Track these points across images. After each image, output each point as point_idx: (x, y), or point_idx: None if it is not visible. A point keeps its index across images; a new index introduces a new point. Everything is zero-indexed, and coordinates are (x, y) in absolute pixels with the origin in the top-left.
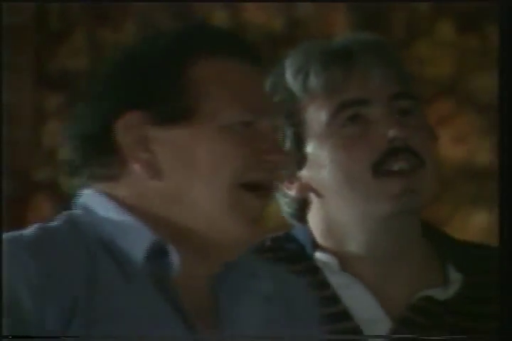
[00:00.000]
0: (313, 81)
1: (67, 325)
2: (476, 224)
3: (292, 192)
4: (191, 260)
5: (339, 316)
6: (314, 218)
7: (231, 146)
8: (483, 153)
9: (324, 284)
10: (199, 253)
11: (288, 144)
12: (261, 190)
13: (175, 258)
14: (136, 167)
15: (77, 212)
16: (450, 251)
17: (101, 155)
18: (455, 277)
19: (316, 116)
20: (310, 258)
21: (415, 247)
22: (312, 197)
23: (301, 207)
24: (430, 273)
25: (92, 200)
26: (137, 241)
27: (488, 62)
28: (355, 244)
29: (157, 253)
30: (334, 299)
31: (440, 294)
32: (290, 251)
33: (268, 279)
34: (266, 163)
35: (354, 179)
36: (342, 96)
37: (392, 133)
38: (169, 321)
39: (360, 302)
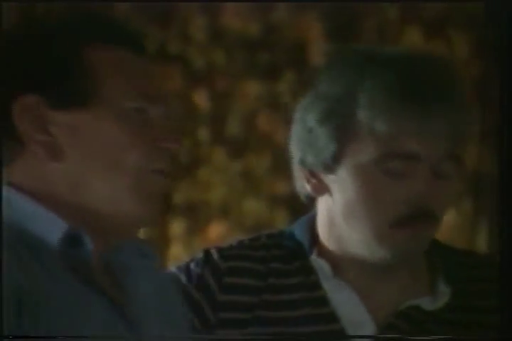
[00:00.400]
0: (379, 121)
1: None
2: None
3: (308, 185)
4: (100, 241)
5: (326, 318)
6: (323, 213)
7: (128, 132)
8: None
9: (316, 286)
10: (105, 233)
11: (323, 149)
12: (162, 176)
13: (89, 243)
14: (35, 148)
15: None
16: (441, 262)
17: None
18: (444, 290)
19: (364, 147)
20: (306, 258)
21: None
22: (327, 199)
23: (314, 197)
24: (420, 283)
25: None
26: (50, 229)
27: None
28: (353, 247)
29: (71, 239)
30: (324, 301)
31: (428, 304)
32: (286, 249)
33: (155, 258)
34: (161, 150)
35: (372, 223)
36: (391, 147)
37: (417, 199)
38: (95, 303)
39: (348, 306)
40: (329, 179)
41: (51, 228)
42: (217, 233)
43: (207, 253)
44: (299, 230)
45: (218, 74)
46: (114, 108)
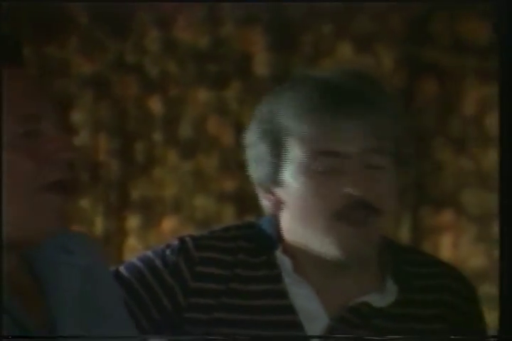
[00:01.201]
0: (298, 126)
1: None
2: None
3: (268, 201)
4: (13, 252)
5: (285, 309)
6: (285, 219)
7: (20, 155)
8: None
9: (278, 279)
10: (16, 247)
11: (267, 166)
12: (62, 187)
13: None
14: None
15: None
16: (390, 260)
17: None
18: (392, 287)
19: (295, 153)
20: (271, 253)
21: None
22: (284, 208)
23: (275, 210)
24: (371, 281)
25: None
26: None
27: None
28: (308, 244)
29: None
30: (283, 294)
31: (376, 301)
32: (255, 243)
33: (84, 255)
34: (59, 161)
35: (317, 218)
36: (317, 146)
37: (351, 190)
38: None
39: (305, 300)
40: (281, 191)
41: None
42: (170, 227)
43: (182, 241)
44: (267, 225)
45: (171, 82)
46: (11, 132)
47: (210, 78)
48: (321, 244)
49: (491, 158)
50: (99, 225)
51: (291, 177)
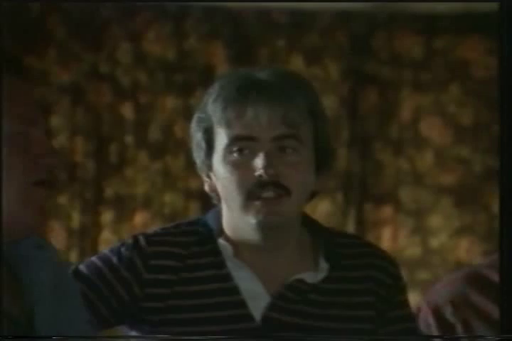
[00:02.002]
0: (220, 111)
1: None
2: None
3: (206, 186)
4: None
5: (230, 291)
6: (223, 207)
7: (12, 154)
8: None
9: (223, 265)
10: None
11: (202, 152)
12: (45, 186)
13: None
14: None
15: None
16: (322, 243)
17: None
18: (323, 266)
19: (221, 139)
20: (215, 242)
21: (293, 241)
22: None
23: (217, 197)
24: (305, 261)
25: None
26: None
27: None
28: (243, 234)
29: None
30: (228, 277)
31: (310, 278)
32: (201, 235)
33: (53, 250)
34: (41, 164)
35: (232, 196)
36: (235, 132)
37: (261, 171)
38: None
39: (247, 281)
40: (213, 175)
41: None
42: (141, 221)
43: (135, 238)
44: (211, 219)
45: (141, 91)
46: (12, 138)
47: (176, 87)
48: (242, 223)
49: (425, 158)
50: (76, 220)
51: (217, 160)
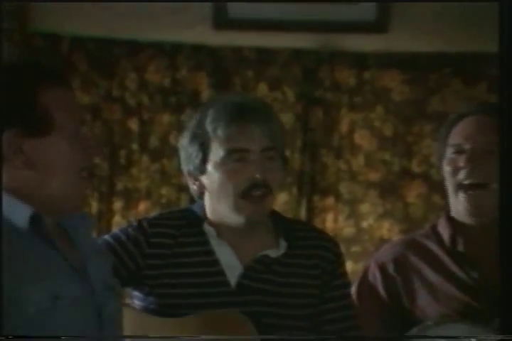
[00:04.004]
0: (219, 130)
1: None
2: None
3: (195, 186)
4: (50, 218)
5: (212, 263)
6: (207, 201)
7: (74, 148)
8: None
9: (207, 243)
10: (54, 214)
11: (196, 160)
12: (89, 172)
13: (44, 220)
14: (15, 162)
15: None
16: (282, 227)
17: None
18: (283, 244)
19: (217, 151)
20: (201, 225)
21: (263, 226)
22: (206, 192)
23: (201, 194)
24: (269, 240)
25: None
26: (19, 211)
27: None
28: (226, 220)
29: (34, 219)
30: (211, 253)
31: (273, 253)
32: (189, 220)
33: (92, 220)
34: (89, 156)
35: (228, 196)
36: (232, 145)
37: (256, 175)
38: (59, 264)
39: (226, 256)
40: (204, 178)
41: (20, 212)
42: (144, 208)
43: (139, 222)
44: (196, 208)
45: (144, 110)
46: (65, 133)
47: (171, 107)
48: (231, 215)
49: (358, 161)
50: (95, 207)
51: (212, 168)
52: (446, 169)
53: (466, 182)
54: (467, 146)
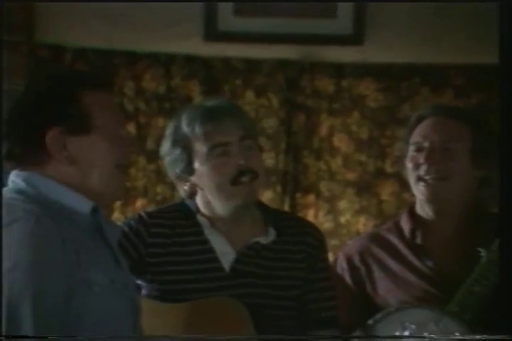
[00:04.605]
0: (198, 130)
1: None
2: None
3: (186, 187)
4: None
5: (207, 251)
6: (199, 197)
7: (112, 146)
8: None
9: (202, 233)
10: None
11: (182, 163)
12: (125, 168)
13: (101, 211)
14: (60, 158)
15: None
16: (271, 217)
17: (34, 151)
18: (272, 232)
19: (200, 149)
20: (195, 217)
21: (250, 217)
22: (198, 190)
23: (191, 194)
24: (259, 229)
25: (34, 179)
26: (82, 203)
27: None
28: (219, 212)
29: (95, 210)
30: (205, 241)
31: (263, 240)
32: (184, 213)
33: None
34: (125, 152)
35: (220, 186)
36: (212, 140)
37: (241, 162)
38: (106, 253)
39: (220, 244)
40: (193, 177)
41: (83, 203)
42: (141, 205)
43: (140, 215)
44: (190, 203)
45: (141, 115)
46: (104, 132)
47: (165, 112)
48: (225, 204)
49: (337, 162)
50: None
51: (199, 165)
52: (409, 166)
53: (426, 177)
54: (426, 144)
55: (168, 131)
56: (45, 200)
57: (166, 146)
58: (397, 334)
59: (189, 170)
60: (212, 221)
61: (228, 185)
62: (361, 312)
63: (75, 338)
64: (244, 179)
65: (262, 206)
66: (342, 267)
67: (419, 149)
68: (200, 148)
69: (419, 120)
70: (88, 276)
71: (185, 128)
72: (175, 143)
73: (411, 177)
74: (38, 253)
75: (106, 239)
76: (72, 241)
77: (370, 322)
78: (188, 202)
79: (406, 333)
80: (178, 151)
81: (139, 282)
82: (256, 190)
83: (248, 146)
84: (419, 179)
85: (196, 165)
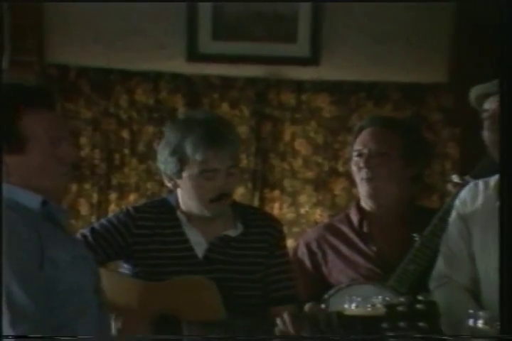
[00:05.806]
0: (198, 157)
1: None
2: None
3: (170, 184)
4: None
5: (184, 241)
6: (180, 196)
7: (50, 158)
8: None
9: (180, 226)
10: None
11: (174, 169)
12: (70, 168)
13: (50, 203)
14: (4, 172)
15: None
16: (240, 213)
17: None
18: (240, 226)
19: (193, 167)
20: (175, 213)
21: (224, 213)
22: (180, 189)
23: (174, 189)
24: (229, 223)
25: None
26: (32, 199)
27: None
28: (194, 211)
29: (44, 203)
30: (183, 233)
31: (232, 233)
32: (165, 208)
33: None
34: (66, 163)
35: (199, 201)
36: (205, 166)
37: (224, 189)
38: (67, 240)
39: (194, 236)
40: (179, 181)
41: (33, 198)
42: (133, 199)
43: (127, 209)
44: (171, 199)
45: (134, 123)
46: (40, 148)
47: (154, 121)
48: (200, 212)
49: (298, 162)
50: (95, 198)
51: (187, 178)
52: (353, 168)
53: (366, 178)
54: (365, 151)
55: (171, 137)
56: (6, 199)
57: (164, 151)
58: (346, 306)
59: (177, 175)
60: (189, 216)
61: (207, 202)
62: (318, 289)
63: (75, 338)
64: (222, 201)
65: (233, 204)
66: (302, 252)
67: (360, 155)
68: (193, 167)
69: (360, 130)
70: (53, 255)
71: (187, 149)
72: (174, 153)
73: (356, 178)
74: (7, 235)
75: (58, 223)
76: (34, 228)
77: (325, 296)
78: (170, 198)
79: (353, 305)
80: (173, 159)
81: (125, 266)
82: (226, 205)
83: (231, 173)
84: (361, 179)
85: (185, 174)
